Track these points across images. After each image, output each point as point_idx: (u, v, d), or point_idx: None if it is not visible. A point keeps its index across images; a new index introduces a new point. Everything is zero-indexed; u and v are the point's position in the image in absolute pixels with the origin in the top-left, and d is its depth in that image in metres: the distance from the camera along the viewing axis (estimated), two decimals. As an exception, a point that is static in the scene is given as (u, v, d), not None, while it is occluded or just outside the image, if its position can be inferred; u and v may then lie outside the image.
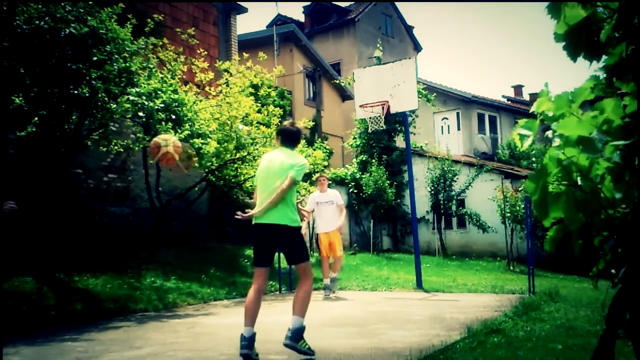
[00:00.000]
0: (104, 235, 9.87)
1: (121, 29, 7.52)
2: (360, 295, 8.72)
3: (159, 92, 8.30)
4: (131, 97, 7.71)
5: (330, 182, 13.82)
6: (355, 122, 18.29)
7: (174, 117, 8.34)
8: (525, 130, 1.86)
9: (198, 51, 10.51)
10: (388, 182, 16.39)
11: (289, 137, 4.48)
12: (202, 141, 8.70)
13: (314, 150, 13.21)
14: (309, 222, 11.55)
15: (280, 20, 26.76)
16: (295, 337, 4.04)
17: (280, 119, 10.70)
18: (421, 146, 19.06)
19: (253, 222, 4.27)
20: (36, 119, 7.03)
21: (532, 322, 5.43)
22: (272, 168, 4.30)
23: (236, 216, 4.42)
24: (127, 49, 7.49)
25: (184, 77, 9.81)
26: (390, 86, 9.71)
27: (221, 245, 12.46)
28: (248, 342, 3.96)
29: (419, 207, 12.38)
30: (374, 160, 16.93)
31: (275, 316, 6.43)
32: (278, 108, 11.06)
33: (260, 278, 4.23)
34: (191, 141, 8.46)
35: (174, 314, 6.91)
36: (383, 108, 9.87)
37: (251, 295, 4.14)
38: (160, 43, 8.94)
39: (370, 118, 10.50)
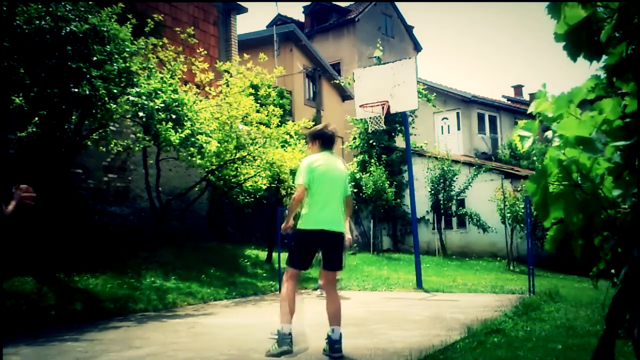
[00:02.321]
0: (104, 235, 9.87)
1: (121, 28, 7.52)
2: (360, 295, 8.72)
3: (159, 92, 8.29)
4: (131, 97, 7.71)
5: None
6: (351, 123, 18.30)
7: (174, 117, 8.34)
8: (525, 132, 1.86)
9: (198, 51, 10.50)
10: (388, 182, 16.39)
11: (329, 142, 4.56)
12: (205, 139, 8.71)
13: (314, 150, 13.16)
14: None
15: (280, 20, 26.74)
16: (341, 346, 4.11)
17: (280, 119, 10.69)
18: (421, 146, 19.05)
19: (311, 227, 4.20)
20: (36, 119, 7.03)
21: (532, 322, 5.43)
22: (334, 175, 4.35)
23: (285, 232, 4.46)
24: (127, 49, 7.49)
25: (184, 77, 9.81)
26: (390, 86, 9.71)
27: (221, 245, 12.46)
28: (291, 338, 4.03)
29: (419, 207, 12.38)
30: (373, 160, 16.92)
31: (277, 316, 6.41)
32: (278, 108, 11.06)
33: (297, 278, 4.31)
34: (193, 139, 8.47)
35: (174, 314, 6.90)
36: (383, 108, 9.87)
37: (292, 291, 4.15)
38: (160, 43, 8.94)
39: (370, 118, 10.50)
